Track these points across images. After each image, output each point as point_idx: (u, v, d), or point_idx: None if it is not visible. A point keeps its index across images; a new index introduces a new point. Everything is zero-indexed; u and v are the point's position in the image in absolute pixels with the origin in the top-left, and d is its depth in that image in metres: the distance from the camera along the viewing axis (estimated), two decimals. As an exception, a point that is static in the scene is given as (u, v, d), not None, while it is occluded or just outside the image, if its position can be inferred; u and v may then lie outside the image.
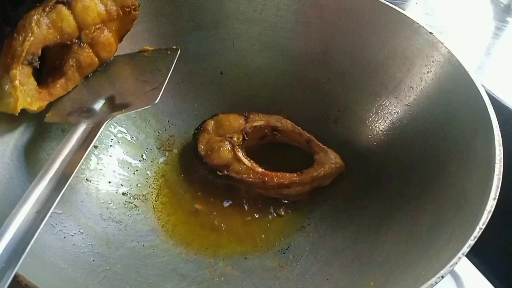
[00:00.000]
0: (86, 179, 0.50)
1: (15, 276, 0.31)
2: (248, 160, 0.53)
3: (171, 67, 0.49)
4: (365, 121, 0.55)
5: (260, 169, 0.53)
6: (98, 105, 0.46)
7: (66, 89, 0.46)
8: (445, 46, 0.49)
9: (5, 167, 0.41)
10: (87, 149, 0.40)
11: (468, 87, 0.45)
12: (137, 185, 0.54)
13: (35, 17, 0.41)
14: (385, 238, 0.45)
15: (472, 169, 0.42)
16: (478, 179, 0.40)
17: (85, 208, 0.47)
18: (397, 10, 0.53)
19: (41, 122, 0.46)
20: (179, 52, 0.52)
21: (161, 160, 0.57)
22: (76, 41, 0.45)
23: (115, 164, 0.53)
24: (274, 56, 0.60)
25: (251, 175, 0.52)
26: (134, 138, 0.57)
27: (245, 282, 0.46)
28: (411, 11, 0.85)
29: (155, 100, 0.46)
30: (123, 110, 0.45)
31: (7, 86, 0.40)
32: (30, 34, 0.40)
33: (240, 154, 0.53)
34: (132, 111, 0.47)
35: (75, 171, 0.38)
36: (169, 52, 0.52)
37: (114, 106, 0.46)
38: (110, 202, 0.50)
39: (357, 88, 0.56)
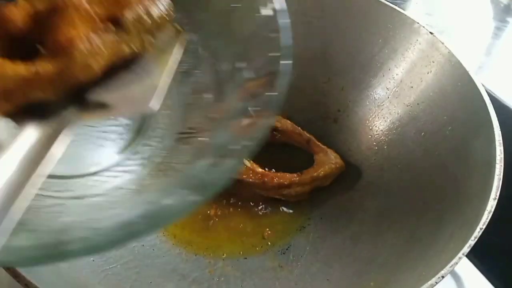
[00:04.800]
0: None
1: (15, 276, 0.31)
2: (247, 160, 0.53)
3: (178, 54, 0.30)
4: (365, 121, 0.55)
5: (260, 169, 0.53)
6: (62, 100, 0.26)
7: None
8: (446, 46, 0.49)
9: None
10: (29, 176, 0.22)
11: (469, 87, 0.45)
12: (137, 185, 0.53)
13: None
14: (385, 238, 0.45)
15: (472, 169, 0.42)
16: (479, 179, 0.40)
17: (85, 208, 0.47)
18: (397, 10, 0.53)
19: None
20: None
21: (161, 160, 0.57)
22: None
23: (115, 164, 0.53)
24: (274, 56, 0.60)
25: (251, 175, 0.52)
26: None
27: (245, 283, 0.46)
28: (412, 11, 0.85)
29: (151, 105, 0.27)
30: (98, 112, 0.27)
31: None
32: None
33: (240, 154, 0.53)
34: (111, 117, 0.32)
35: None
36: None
37: (86, 104, 0.28)
38: (110, 202, 0.50)
39: (357, 88, 0.56)
